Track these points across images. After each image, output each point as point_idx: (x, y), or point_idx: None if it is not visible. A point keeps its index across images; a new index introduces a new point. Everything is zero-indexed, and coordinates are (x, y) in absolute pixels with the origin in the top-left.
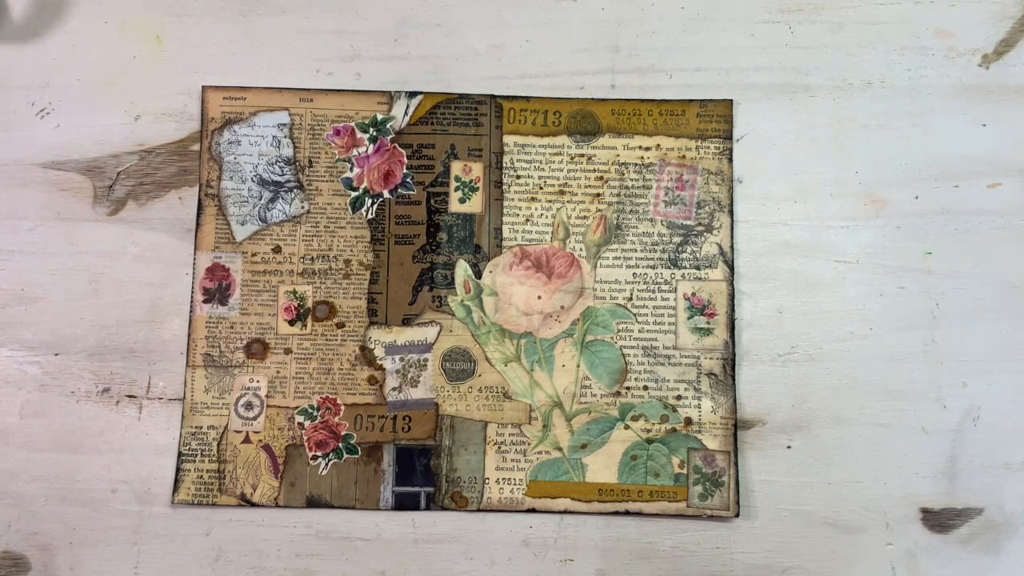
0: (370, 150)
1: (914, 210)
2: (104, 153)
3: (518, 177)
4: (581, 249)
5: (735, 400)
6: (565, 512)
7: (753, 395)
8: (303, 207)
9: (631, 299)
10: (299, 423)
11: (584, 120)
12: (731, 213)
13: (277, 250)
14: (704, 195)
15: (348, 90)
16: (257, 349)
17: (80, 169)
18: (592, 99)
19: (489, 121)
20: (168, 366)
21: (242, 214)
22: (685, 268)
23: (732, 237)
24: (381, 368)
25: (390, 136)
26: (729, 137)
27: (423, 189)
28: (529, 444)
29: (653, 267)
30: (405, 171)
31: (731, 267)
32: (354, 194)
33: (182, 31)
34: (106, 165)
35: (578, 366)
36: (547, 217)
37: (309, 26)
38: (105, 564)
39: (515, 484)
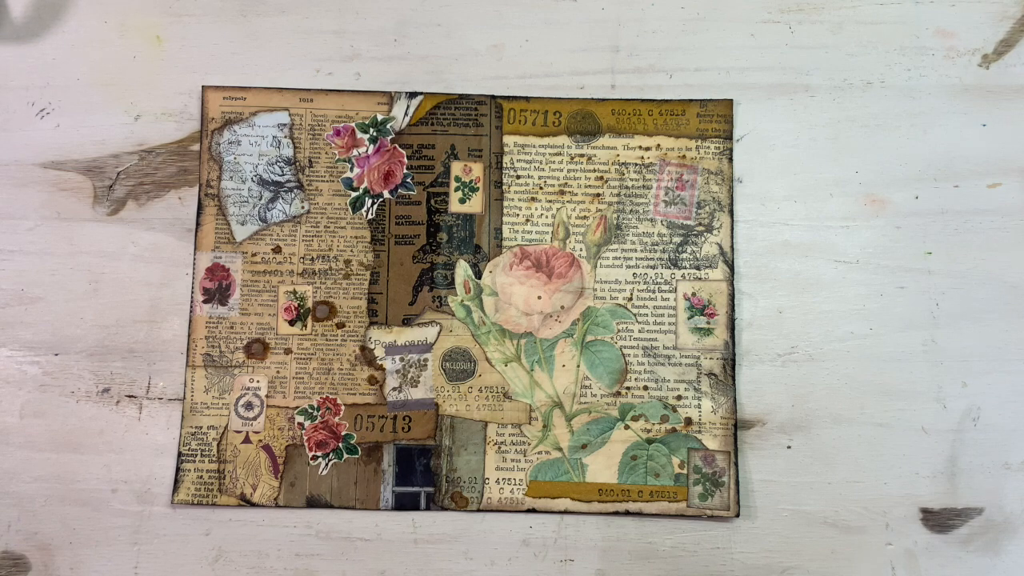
0: (370, 150)
1: (914, 210)
2: (104, 153)
3: (518, 177)
4: (581, 249)
5: (735, 400)
6: (565, 512)
7: (753, 395)
8: (303, 207)
9: (631, 299)
10: (299, 423)
11: (584, 120)
12: (731, 213)
13: (277, 250)
14: (704, 195)
15: (348, 90)
16: (257, 349)
17: (80, 169)
18: (592, 99)
19: (489, 121)
20: (168, 366)
21: (242, 214)
22: (685, 268)
23: (732, 237)
24: (381, 368)
25: (390, 136)
26: (729, 137)
27: (423, 189)
28: (529, 444)
29: (653, 267)
30: (405, 171)
31: (731, 267)
32: (354, 194)
33: (182, 31)
34: (106, 165)
35: (578, 366)
36: (547, 217)
37: (309, 26)
38: (105, 564)
39: (515, 484)
